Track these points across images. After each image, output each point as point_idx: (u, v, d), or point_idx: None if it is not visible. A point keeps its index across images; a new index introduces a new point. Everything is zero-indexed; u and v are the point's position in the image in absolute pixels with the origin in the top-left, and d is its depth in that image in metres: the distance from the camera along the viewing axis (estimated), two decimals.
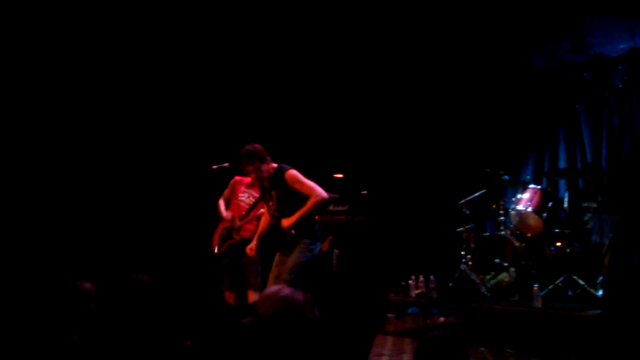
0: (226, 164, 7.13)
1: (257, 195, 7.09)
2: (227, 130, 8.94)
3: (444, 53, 9.03)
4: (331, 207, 8.24)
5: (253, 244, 6.50)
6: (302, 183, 5.89)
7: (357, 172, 8.88)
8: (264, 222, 6.59)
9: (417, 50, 8.99)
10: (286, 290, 3.60)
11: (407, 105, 9.68)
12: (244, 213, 7.14)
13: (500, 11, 8.16)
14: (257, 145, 6.03)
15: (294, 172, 5.94)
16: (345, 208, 8.26)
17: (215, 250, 7.15)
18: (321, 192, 5.88)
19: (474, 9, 8.17)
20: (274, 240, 6.22)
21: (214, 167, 6.97)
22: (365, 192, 8.31)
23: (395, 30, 8.59)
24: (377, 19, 8.41)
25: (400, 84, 9.58)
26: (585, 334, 6.09)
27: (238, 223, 7.10)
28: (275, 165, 6.07)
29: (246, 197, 7.23)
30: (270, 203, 6.16)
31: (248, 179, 7.10)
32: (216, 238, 7.20)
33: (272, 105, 9.56)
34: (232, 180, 7.33)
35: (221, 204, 7.29)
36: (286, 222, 5.92)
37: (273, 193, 6.09)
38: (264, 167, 5.98)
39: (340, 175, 8.64)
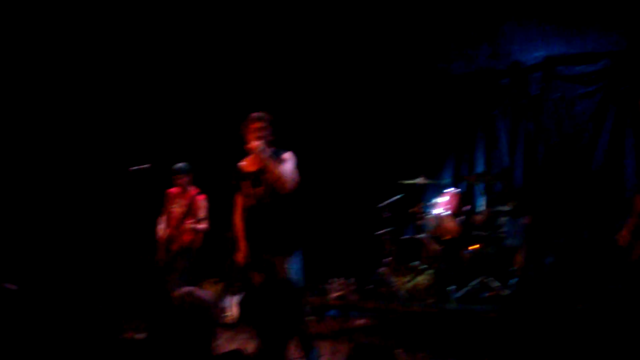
0: (147, 165, 7.30)
1: (186, 202, 7.70)
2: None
3: (364, 57, 9.09)
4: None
5: None
6: (293, 165, 5.47)
7: None
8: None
9: (338, 53, 9.03)
10: (199, 292, 3.68)
11: (328, 108, 9.72)
12: (177, 223, 7.67)
13: (420, 17, 8.27)
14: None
15: (292, 155, 5.53)
16: None
17: (160, 264, 7.67)
18: (297, 179, 5.44)
19: (394, 14, 8.26)
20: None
21: (133, 168, 7.21)
22: None
23: (315, 32, 8.61)
24: (294, 21, 8.44)
25: (321, 87, 9.61)
26: (499, 334, 6.23)
27: (174, 233, 7.62)
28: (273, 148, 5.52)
29: (177, 207, 7.77)
30: (259, 189, 5.51)
31: (177, 190, 7.75)
32: (160, 246, 7.70)
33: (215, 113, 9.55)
34: (166, 194, 7.87)
35: (159, 223, 7.79)
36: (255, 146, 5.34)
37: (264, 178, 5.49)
38: (269, 138, 5.47)
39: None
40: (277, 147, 5.54)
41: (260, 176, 5.48)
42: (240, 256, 5.64)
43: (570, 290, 7.03)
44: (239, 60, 9.11)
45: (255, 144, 5.34)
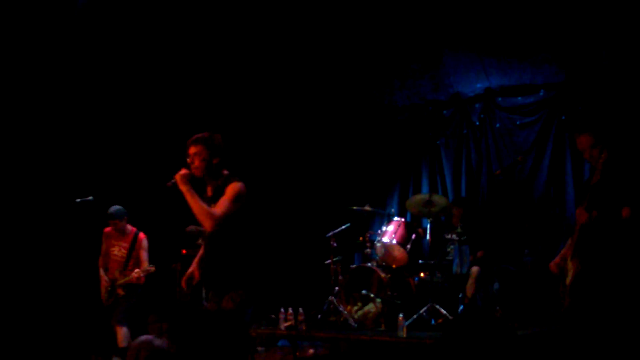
0: (90, 198, 7.29)
1: (127, 245, 7.69)
2: None
3: (309, 90, 9.20)
4: (200, 241, 8.16)
5: None
6: (229, 200, 4.65)
7: None
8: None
9: (283, 87, 9.12)
10: (157, 342, 3.66)
11: (273, 140, 9.77)
12: (121, 267, 7.69)
13: (364, 51, 8.42)
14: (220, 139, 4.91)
15: (240, 186, 4.73)
16: None
17: (105, 303, 7.65)
18: (220, 215, 4.57)
19: (338, 49, 8.39)
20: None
21: (77, 200, 7.27)
22: None
23: (261, 66, 8.69)
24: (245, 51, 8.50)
25: (266, 119, 9.67)
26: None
27: (119, 278, 7.62)
28: (226, 172, 4.88)
29: (117, 250, 7.74)
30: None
31: (113, 231, 7.73)
32: (103, 292, 7.67)
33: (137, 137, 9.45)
34: (103, 233, 7.83)
35: (100, 265, 7.79)
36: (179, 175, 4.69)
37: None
38: (214, 167, 4.79)
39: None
40: (228, 174, 4.87)
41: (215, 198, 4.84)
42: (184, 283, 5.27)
43: (516, 315, 7.19)
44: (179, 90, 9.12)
45: (180, 173, 4.71)
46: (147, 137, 9.33)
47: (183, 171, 4.71)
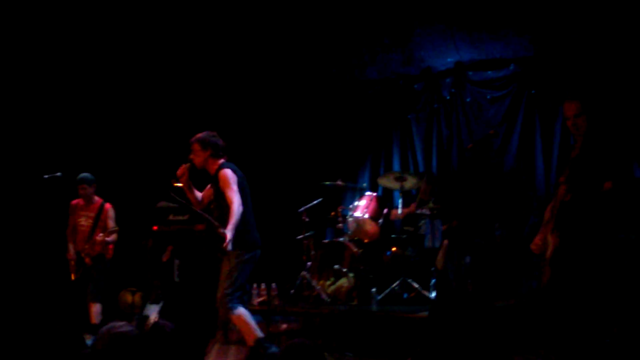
0: (58, 173, 7.28)
1: (93, 215, 7.76)
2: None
3: (280, 65, 9.15)
4: (171, 217, 8.13)
5: None
6: (226, 185, 5.80)
7: (198, 180, 8.80)
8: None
9: (256, 60, 9.05)
10: (121, 328, 3.72)
11: (245, 114, 9.72)
12: (87, 236, 7.69)
13: (335, 24, 8.37)
14: (213, 136, 6.08)
15: (225, 172, 5.88)
16: (185, 217, 8.16)
17: (72, 277, 7.67)
18: (240, 202, 5.76)
19: (311, 20, 8.33)
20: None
21: (45, 176, 7.37)
22: None
23: (234, 34, 8.62)
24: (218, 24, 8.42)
25: (239, 92, 9.60)
26: (419, 334, 6.36)
27: (86, 247, 7.64)
28: (221, 161, 6.03)
29: (84, 220, 7.77)
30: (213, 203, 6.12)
31: (82, 202, 7.80)
32: (72, 265, 7.70)
33: (113, 112, 9.37)
34: (70, 206, 7.88)
35: (69, 238, 7.82)
36: (227, 238, 5.57)
37: (212, 190, 6.10)
38: (207, 158, 6.00)
39: (180, 184, 8.53)
40: (221, 162, 6.01)
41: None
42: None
43: (488, 288, 7.27)
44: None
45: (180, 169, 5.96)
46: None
47: (180, 168, 5.97)
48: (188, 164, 6.00)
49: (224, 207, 5.77)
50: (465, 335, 4.64)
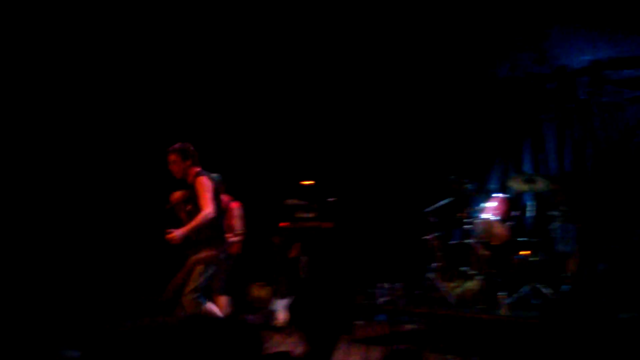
0: None
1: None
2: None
3: (410, 62, 9.09)
4: (299, 214, 8.28)
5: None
6: (202, 192, 6.21)
7: (326, 179, 8.91)
8: None
9: (385, 59, 9.04)
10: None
11: (375, 114, 9.73)
12: None
13: (466, 22, 8.25)
14: (191, 146, 6.49)
15: (201, 179, 6.28)
16: (313, 215, 8.29)
17: None
18: (212, 209, 6.17)
19: (441, 18, 8.24)
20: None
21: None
22: (333, 199, 8.34)
23: (364, 39, 8.63)
24: (339, 25, 8.45)
25: (369, 93, 9.62)
26: (550, 341, 6.20)
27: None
28: (197, 169, 6.43)
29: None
30: (189, 205, 6.45)
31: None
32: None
33: (241, 110, 9.56)
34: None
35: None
36: (176, 234, 6.04)
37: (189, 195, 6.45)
38: (187, 168, 6.39)
39: (309, 182, 8.66)
40: (197, 171, 6.39)
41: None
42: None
43: (622, 297, 6.97)
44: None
45: (174, 236, 6.03)
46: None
47: (177, 194, 6.45)
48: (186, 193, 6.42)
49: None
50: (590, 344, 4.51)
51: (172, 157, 6.39)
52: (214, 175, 7.90)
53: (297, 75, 9.35)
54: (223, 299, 7.73)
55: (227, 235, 7.72)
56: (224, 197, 8.01)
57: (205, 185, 6.24)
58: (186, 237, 6.11)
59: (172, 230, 5.99)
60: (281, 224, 8.38)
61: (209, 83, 9.28)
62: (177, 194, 6.48)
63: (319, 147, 9.64)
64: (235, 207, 8.01)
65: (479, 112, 9.63)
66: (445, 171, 9.05)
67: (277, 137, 9.69)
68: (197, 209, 6.19)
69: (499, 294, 7.11)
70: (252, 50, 8.79)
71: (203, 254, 6.19)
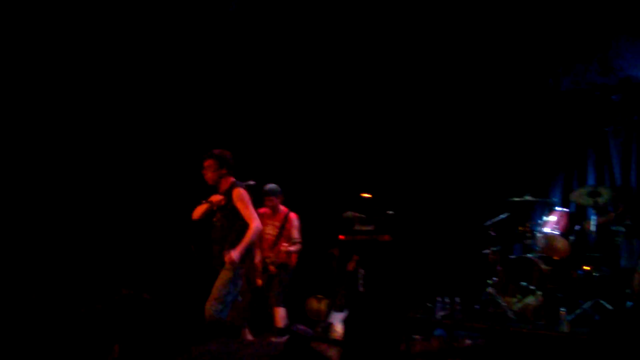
0: (251, 182, 7.45)
1: (278, 224, 7.96)
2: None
3: (471, 73, 9.02)
4: (357, 227, 8.27)
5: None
6: (244, 204, 6.14)
7: (384, 191, 8.88)
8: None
9: (444, 71, 8.99)
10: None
11: (435, 127, 9.67)
12: (272, 245, 7.92)
13: (528, 32, 8.15)
14: (229, 154, 6.36)
15: (241, 192, 6.18)
16: (371, 228, 8.27)
17: (259, 283, 7.79)
18: (258, 222, 6.17)
19: (501, 29, 8.16)
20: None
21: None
22: (391, 212, 8.31)
23: (422, 50, 8.59)
24: (401, 37, 8.42)
25: (429, 107, 9.57)
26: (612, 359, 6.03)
27: (270, 255, 7.86)
28: (232, 180, 6.32)
29: (270, 228, 7.98)
30: (218, 214, 6.34)
31: (269, 211, 7.99)
32: (258, 271, 7.84)
33: (302, 123, 9.62)
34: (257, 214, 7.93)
35: (256, 244, 7.74)
36: (231, 254, 6.02)
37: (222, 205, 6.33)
38: (222, 176, 6.27)
39: (367, 195, 8.64)
40: (233, 181, 6.30)
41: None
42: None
43: None
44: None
45: (230, 258, 6.05)
46: None
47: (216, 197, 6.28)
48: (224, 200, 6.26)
49: (233, 223, 6.16)
50: None
51: (208, 163, 6.26)
52: (273, 185, 7.99)
53: (360, 90, 9.38)
54: (281, 311, 7.78)
55: (284, 244, 7.79)
56: (282, 208, 8.07)
57: (245, 197, 6.17)
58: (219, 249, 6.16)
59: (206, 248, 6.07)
60: (340, 237, 8.38)
61: (270, 94, 9.36)
62: (216, 198, 6.35)
63: (378, 159, 9.61)
64: (294, 217, 8.04)
65: (542, 125, 9.48)
66: (506, 184, 8.95)
67: (337, 149, 9.70)
68: (230, 219, 6.16)
69: (560, 309, 6.97)
70: (314, 61, 8.86)
71: (234, 253, 6.06)
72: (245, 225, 6.14)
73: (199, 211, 6.41)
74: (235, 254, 5.99)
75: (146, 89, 8.70)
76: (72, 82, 8.31)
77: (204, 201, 6.38)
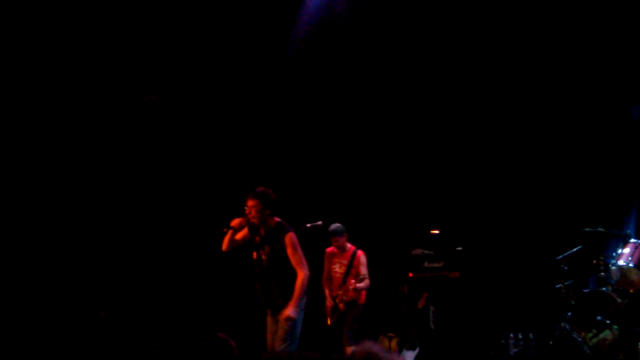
0: (319, 222, 7.51)
1: (346, 262, 7.99)
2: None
3: (544, 104, 8.98)
4: (426, 264, 8.27)
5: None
6: (295, 251, 6.03)
7: (453, 228, 8.85)
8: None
9: (518, 102, 8.98)
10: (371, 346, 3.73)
11: (506, 160, 9.59)
12: (341, 282, 7.95)
13: (602, 64, 8.09)
14: (272, 194, 6.15)
15: (292, 236, 6.07)
16: (440, 264, 8.25)
17: (329, 322, 7.90)
18: (307, 268, 6.05)
19: (570, 60, 8.13)
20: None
21: (308, 225, 7.31)
22: (460, 248, 8.28)
23: (489, 79, 8.62)
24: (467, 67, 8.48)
25: (498, 141, 9.52)
26: None
27: (339, 293, 7.90)
28: (277, 220, 6.18)
29: (338, 267, 8.07)
30: (263, 255, 6.22)
31: (336, 249, 8.06)
32: (328, 310, 7.96)
33: (371, 163, 9.70)
34: (325, 254, 8.16)
35: (324, 284, 8.14)
36: (288, 312, 5.95)
37: (267, 247, 6.19)
38: (266, 216, 6.07)
39: (436, 231, 8.63)
40: (279, 221, 6.17)
41: (264, 245, 6.22)
42: None
43: None
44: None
45: (286, 315, 5.98)
46: None
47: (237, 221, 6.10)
48: (244, 221, 6.11)
49: (285, 268, 6.05)
50: None
51: (252, 203, 6.03)
52: (336, 225, 8.03)
53: (426, 129, 9.45)
54: (352, 349, 7.79)
55: (352, 281, 7.80)
56: (349, 246, 8.12)
57: (296, 243, 6.06)
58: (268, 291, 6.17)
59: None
60: (409, 274, 8.38)
61: (328, 132, 9.51)
62: (237, 221, 6.17)
63: (446, 196, 9.58)
64: (361, 255, 8.08)
65: (615, 155, 9.30)
66: (578, 216, 8.79)
67: (404, 186, 9.72)
68: (280, 260, 6.07)
69: (638, 344, 6.79)
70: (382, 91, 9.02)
71: (290, 311, 5.98)
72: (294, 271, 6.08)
73: (226, 241, 6.29)
74: (291, 311, 5.94)
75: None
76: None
77: (225, 229, 6.22)
